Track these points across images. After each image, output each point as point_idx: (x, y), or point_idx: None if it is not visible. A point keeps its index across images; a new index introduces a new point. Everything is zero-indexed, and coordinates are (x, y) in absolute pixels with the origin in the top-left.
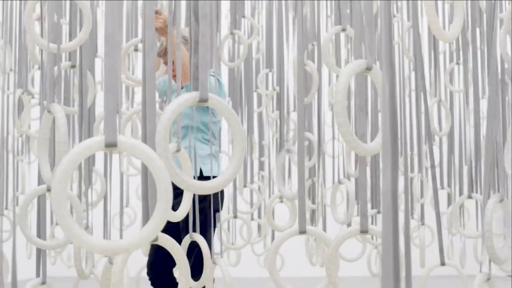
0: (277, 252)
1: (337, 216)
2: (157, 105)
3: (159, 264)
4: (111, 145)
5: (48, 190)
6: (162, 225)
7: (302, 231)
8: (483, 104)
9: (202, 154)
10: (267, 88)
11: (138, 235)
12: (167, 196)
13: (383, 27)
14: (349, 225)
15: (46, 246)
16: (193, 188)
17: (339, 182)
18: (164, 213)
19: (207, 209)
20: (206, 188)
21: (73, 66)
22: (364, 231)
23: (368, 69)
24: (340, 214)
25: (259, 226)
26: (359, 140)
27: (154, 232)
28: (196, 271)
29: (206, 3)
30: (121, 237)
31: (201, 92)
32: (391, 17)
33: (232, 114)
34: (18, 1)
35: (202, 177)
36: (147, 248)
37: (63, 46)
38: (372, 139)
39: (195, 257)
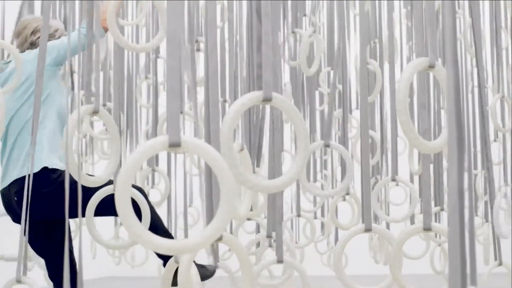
0: (343, 250)
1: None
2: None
3: None
4: (174, 145)
5: None
6: (226, 224)
7: (368, 229)
8: None
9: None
10: (328, 87)
11: (202, 234)
12: (231, 195)
13: (447, 24)
14: (412, 223)
15: (112, 246)
16: (257, 188)
17: (393, 180)
18: (227, 212)
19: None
20: (269, 187)
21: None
22: (427, 228)
23: (431, 66)
24: (403, 212)
25: (322, 225)
26: (422, 138)
27: (218, 231)
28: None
29: (268, 2)
30: (185, 236)
31: (264, 91)
32: (455, 14)
33: (296, 113)
34: (62, 1)
35: None
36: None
37: (142, 46)
38: (434, 137)
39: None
